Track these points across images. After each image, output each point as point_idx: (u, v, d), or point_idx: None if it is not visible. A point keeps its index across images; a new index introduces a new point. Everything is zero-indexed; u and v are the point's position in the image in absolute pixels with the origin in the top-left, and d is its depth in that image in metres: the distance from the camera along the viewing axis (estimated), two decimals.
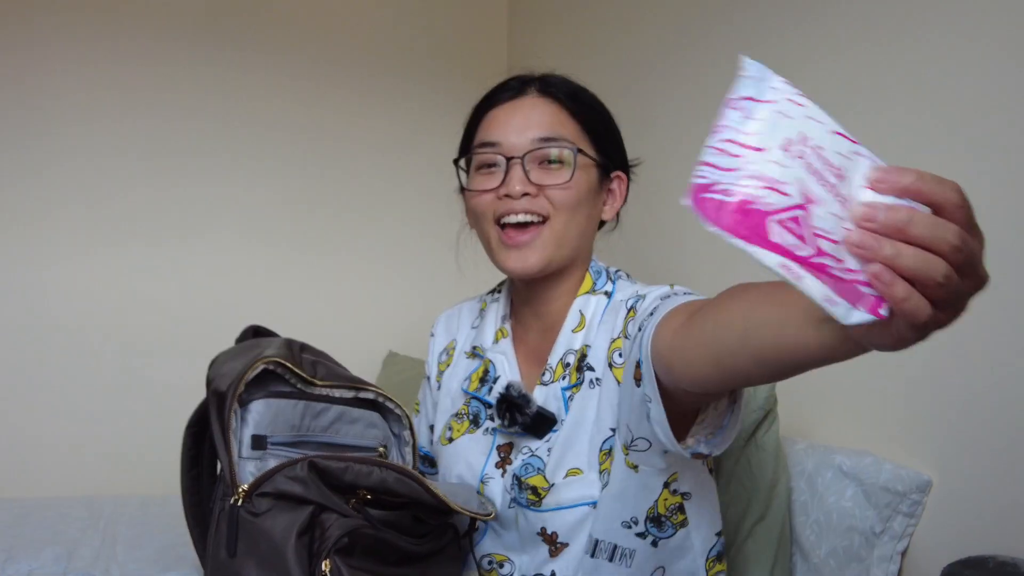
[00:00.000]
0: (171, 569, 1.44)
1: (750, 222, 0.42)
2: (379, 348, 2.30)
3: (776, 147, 0.43)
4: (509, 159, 0.97)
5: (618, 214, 1.09)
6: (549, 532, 0.95)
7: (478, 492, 1.01)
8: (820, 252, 0.42)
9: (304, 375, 0.88)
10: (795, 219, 0.42)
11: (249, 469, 0.78)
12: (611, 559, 0.93)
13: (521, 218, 0.96)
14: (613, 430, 0.93)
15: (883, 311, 0.42)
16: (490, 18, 2.59)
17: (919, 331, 0.43)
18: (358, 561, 0.73)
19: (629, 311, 0.93)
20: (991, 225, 1.04)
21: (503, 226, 0.98)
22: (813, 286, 0.42)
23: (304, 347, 0.95)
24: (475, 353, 1.10)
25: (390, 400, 0.97)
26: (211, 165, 2.20)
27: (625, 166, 1.08)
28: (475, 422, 1.05)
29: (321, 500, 0.72)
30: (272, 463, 0.79)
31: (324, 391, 0.90)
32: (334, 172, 2.35)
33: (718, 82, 1.59)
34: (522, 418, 0.95)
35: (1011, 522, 1.00)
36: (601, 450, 0.93)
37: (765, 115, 0.44)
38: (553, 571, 0.95)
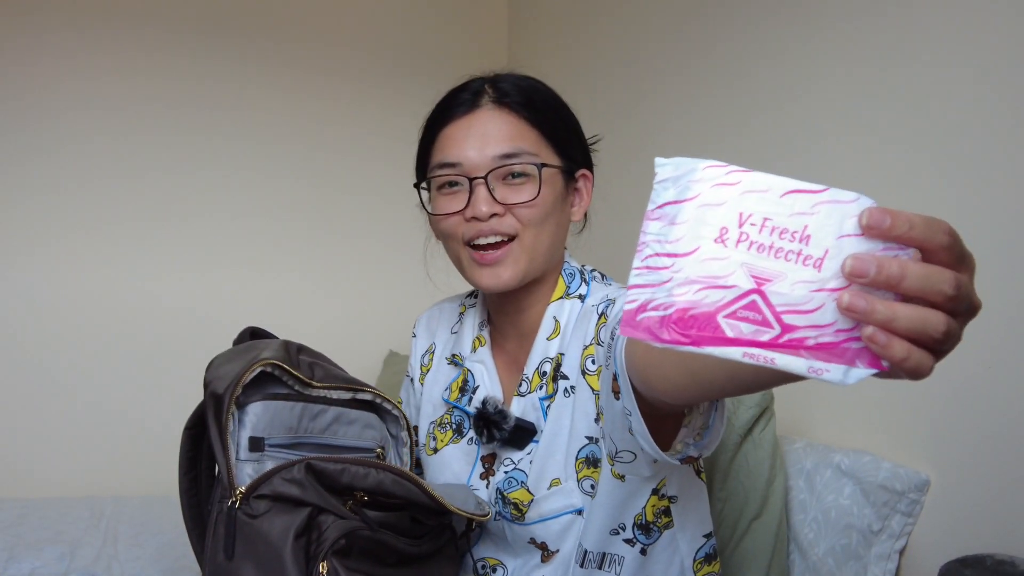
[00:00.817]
0: (172, 568, 1.45)
1: (697, 327, 0.42)
2: (379, 348, 2.31)
3: (709, 241, 0.42)
4: (472, 179, 0.93)
5: (586, 214, 1.05)
6: (539, 541, 0.95)
7: None
8: (790, 328, 0.42)
9: (301, 377, 0.88)
10: (749, 306, 0.42)
11: (247, 471, 0.77)
12: (600, 566, 0.93)
13: (491, 239, 0.94)
14: (589, 438, 0.92)
15: (885, 363, 0.41)
16: (490, 18, 2.58)
17: (920, 378, 0.42)
18: (355, 563, 0.73)
19: (600, 316, 0.92)
20: (991, 226, 1.04)
21: (473, 246, 0.96)
22: (791, 363, 0.41)
23: (302, 348, 0.95)
24: (454, 361, 1.09)
25: (388, 401, 0.97)
26: (211, 166, 2.20)
27: (589, 163, 1.04)
28: (459, 431, 1.04)
29: (318, 502, 0.72)
30: (270, 465, 0.79)
31: (322, 393, 0.90)
32: (334, 172, 2.36)
33: (717, 82, 1.60)
34: (500, 434, 0.95)
35: (1009, 521, 1.01)
36: (577, 459, 0.93)
37: (689, 214, 0.42)
38: None
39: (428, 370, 1.13)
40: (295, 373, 0.87)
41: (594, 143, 1.06)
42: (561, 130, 0.98)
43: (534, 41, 2.44)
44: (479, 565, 1.00)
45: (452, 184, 0.95)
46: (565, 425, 0.94)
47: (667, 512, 0.94)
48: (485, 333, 1.06)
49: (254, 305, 2.20)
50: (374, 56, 2.41)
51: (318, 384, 0.89)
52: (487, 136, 0.93)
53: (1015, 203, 1.01)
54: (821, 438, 1.29)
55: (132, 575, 1.43)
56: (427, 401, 1.11)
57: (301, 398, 0.88)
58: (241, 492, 0.72)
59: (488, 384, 1.02)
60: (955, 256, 0.42)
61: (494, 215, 0.93)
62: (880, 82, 1.21)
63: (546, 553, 0.95)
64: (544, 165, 0.94)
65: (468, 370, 1.05)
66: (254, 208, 2.25)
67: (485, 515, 0.84)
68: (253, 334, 0.99)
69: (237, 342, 0.98)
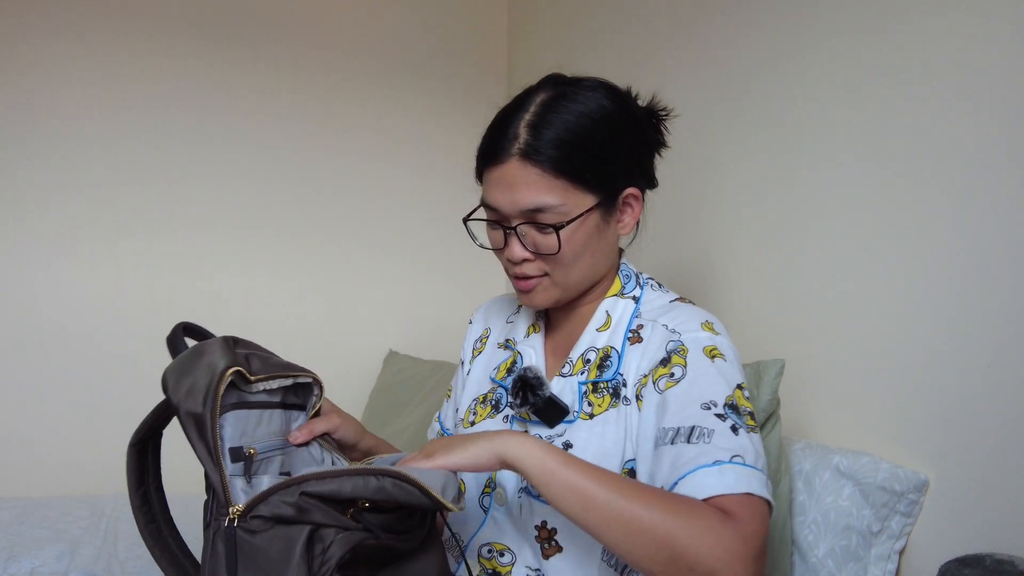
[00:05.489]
0: None
1: None
2: (379, 347, 2.31)
3: None
4: (505, 226, 0.98)
5: (637, 223, 1.05)
6: (549, 527, 0.95)
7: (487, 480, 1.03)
8: None
9: (250, 377, 0.85)
10: None
11: (240, 486, 0.77)
12: (622, 572, 0.94)
13: (526, 276, 1.01)
14: (631, 460, 0.93)
15: None
16: (490, 18, 2.57)
17: None
18: (358, 571, 0.72)
19: (668, 356, 0.93)
20: (990, 226, 1.04)
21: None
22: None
23: (238, 341, 0.91)
24: (507, 345, 1.14)
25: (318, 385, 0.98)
26: (210, 164, 2.20)
27: (635, 179, 1.02)
28: (496, 407, 1.07)
29: (320, 519, 0.70)
30: (261, 476, 0.79)
31: (261, 385, 0.87)
32: (334, 171, 2.35)
33: (717, 78, 1.59)
34: (534, 399, 0.97)
35: (1007, 520, 1.01)
36: (623, 468, 0.93)
37: None
38: (544, 572, 0.96)
39: (479, 352, 1.19)
40: (247, 376, 0.84)
41: (666, 118, 1.06)
42: (596, 164, 0.96)
43: (534, 41, 2.42)
44: (484, 550, 1.00)
45: (494, 222, 1.01)
46: (618, 431, 0.95)
47: None
48: (540, 322, 1.12)
49: (254, 305, 2.21)
50: (374, 56, 2.40)
51: (253, 378, 0.85)
52: (515, 191, 0.95)
53: (1014, 204, 1.01)
54: (820, 439, 1.29)
55: (132, 574, 1.43)
56: (473, 380, 1.16)
57: (259, 405, 0.87)
58: (239, 510, 0.71)
59: (534, 363, 1.06)
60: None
61: (525, 260, 0.99)
62: (882, 87, 1.21)
63: (547, 546, 0.95)
64: (566, 223, 0.95)
65: (518, 353, 1.09)
66: (253, 210, 2.24)
67: (460, 508, 0.83)
68: (186, 329, 0.94)
69: (170, 339, 0.92)
